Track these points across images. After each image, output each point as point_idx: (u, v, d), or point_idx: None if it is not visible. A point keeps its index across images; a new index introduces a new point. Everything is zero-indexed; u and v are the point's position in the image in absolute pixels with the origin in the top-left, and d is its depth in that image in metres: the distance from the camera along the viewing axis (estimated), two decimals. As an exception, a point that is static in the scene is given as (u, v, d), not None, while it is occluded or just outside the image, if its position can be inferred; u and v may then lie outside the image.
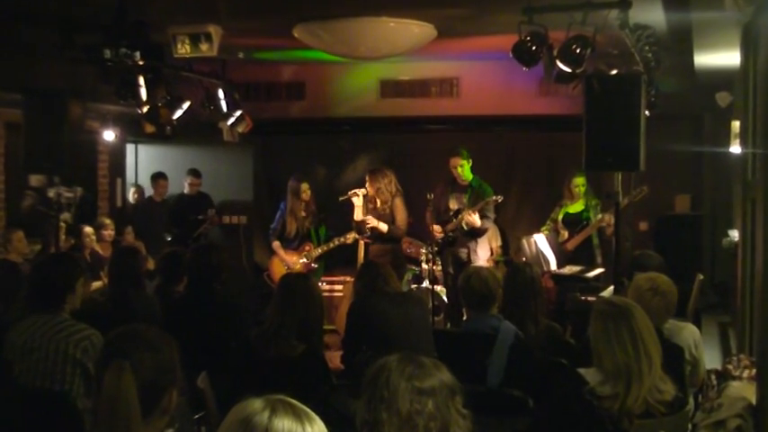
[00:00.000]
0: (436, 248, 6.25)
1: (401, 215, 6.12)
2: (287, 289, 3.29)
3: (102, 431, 1.71)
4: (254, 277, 8.18)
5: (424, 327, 3.92)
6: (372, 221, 6.08)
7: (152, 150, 8.66)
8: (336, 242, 6.60)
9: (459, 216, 6.05)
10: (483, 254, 6.27)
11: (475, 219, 5.92)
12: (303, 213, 6.65)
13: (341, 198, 6.18)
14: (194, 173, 7.85)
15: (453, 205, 6.23)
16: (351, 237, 6.44)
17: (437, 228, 6.21)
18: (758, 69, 3.76)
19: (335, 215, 6.60)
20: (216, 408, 3.27)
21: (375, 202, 6.15)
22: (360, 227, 6.19)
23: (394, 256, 6.04)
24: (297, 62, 7.60)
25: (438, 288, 6.75)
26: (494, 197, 6.00)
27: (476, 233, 6.08)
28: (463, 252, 6.18)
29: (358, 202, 6.14)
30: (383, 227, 6.05)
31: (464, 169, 6.17)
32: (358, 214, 6.16)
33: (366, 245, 6.31)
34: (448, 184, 6.33)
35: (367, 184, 6.16)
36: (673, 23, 4.71)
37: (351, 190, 6.22)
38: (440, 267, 7.01)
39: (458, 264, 6.10)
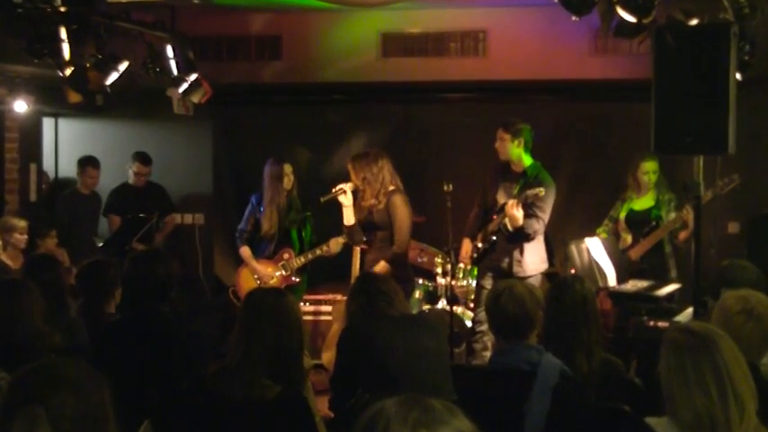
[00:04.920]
0: (475, 255, 6.24)
1: (403, 222, 5.93)
2: (254, 309, 3.28)
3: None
4: (214, 295, 8.18)
5: (440, 361, 3.91)
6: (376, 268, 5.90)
7: (78, 127, 8.66)
8: (318, 252, 6.59)
9: (503, 212, 5.96)
10: (532, 264, 6.18)
11: (517, 214, 5.81)
12: (285, 204, 6.64)
13: (323, 199, 6.10)
14: (141, 158, 7.84)
15: (501, 198, 6.20)
16: (334, 245, 6.45)
17: (465, 252, 6.25)
18: None
19: (324, 213, 6.58)
20: (162, 469, 3.26)
21: (362, 197, 6.07)
22: (352, 234, 6.16)
23: (397, 266, 6.00)
24: (271, 9, 7.59)
25: (459, 310, 6.74)
26: (537, 190, 5.81)
27: (520, 237, 6.03)
28: (504, 261, 6.16)
29: (346, 200, 6.03)
30: (384, 268, 5.86)
31: (505, 145, 6.11)
32: (348, 217, 6.09)
33: (362, 252, 6.30)
34: (499, 172, 6.33)
35: (351, 174, 6.08)
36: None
37: (338, 184, 6.14)
38: (461, 282, 7.01)
39: (498, 275, 6.06)
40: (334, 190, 6.04)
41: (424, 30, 7.65)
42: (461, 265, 6.90)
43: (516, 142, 6.12)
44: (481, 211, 6.39)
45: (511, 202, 5.84)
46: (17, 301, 3.63)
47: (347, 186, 6.02)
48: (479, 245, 6.17)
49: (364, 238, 6.12)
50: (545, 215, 6.05)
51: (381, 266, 5.89)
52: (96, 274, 4.53)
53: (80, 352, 3.87)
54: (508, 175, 6.26)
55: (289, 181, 6.64)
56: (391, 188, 6.00)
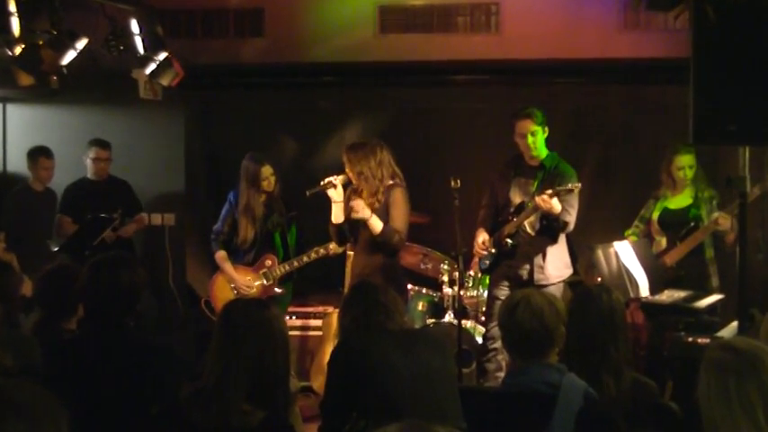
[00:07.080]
0: (488, 262, 6.25)
1: (400, 213, 5.90)
2: (233, 323, 3.29)
3: None
4: (186, 307, 8.18)
5: (447, 382, 3.92)
6: (360, 209, 5.83)
7: (29, 113, 8.66)
8: (313, 255, 6.58)
9: (529, 205, 5.95)
10: (556, 270, 6.22)
11: (552, 202, 5.77)
12: (263, 211, 6.63)
13: (309, 191, 6.05)
14: (100, 142, 7.83)
15: (516, 197, 6.21)
16: (334, 246, 6.42)
17: (482, 240, 6.22)
18: None
19: (312, 212, 6.58)
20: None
21: (360, 194, 6.06)
22: (338, 232, 6.10)
23: (388, 272, 5.93)
24: (252, -22, 7.60)
25: (468, 324, 6.74)
26: (570, 185, 5.84)
27: (551, 230, 6.03)
28: (524, 267, 6.18)
29: (336, 196, 5.98)
30: (376, 223, 5.86)
31: (536, 139, 6.10)
32: (337, 214, 6.03)
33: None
34: (510, 167, 6.33)
35: (345, 166, 6.04)
36: None
37: (327, 177, 6.10)
38: (471, 292, 7.00)
39: (515, 284, 6.06)
40: (322, 183, 5.99)
41: (428, 2, 7.65)
42: (471, 272, 6.89)
43: (545, 133, 6.11)
44: (491, 213, 6.37)
45: (543, 195, 5.78)
46: None
47: (338, 180, 5.98)
48: (507, 241, 6.11)
49: (352, 240, 6.09)
50: (574, 211, 6.08)
51: (376, 222, 5.79)
52: (61, 283, 4.50)
53: (32, 373, 3.86)
54: (522, 169, 6.25)
55: (269, 184, 6.62)
56: (390, 182, 5.97)
